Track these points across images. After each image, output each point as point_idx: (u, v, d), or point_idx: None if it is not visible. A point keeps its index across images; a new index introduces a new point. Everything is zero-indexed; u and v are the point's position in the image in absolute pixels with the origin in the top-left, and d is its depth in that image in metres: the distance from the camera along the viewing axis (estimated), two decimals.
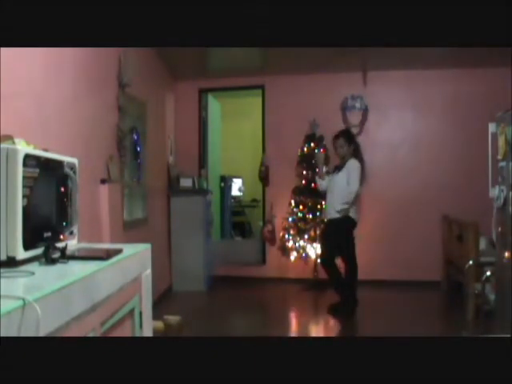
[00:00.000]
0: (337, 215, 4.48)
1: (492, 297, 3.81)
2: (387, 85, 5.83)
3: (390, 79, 5.81)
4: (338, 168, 4.61)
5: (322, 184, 4.78)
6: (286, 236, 5.62)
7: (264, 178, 6.09)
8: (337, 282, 4.56)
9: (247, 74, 5.97)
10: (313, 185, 5.38)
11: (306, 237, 5.51)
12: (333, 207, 4.51)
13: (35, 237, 1.52)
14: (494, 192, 3.32)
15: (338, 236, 4.55)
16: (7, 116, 2.06)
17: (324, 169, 4.91)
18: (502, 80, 5.00)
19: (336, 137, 4.65)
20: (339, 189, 4.47)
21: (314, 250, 5.51)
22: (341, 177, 4.51)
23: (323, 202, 5.46)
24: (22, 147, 1.54)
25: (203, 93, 6.31)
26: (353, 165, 4.49)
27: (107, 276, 1.55)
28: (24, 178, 1.43)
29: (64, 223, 1.75)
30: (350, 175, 4.45)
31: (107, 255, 1.65)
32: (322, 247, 4.75)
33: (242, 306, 5.00)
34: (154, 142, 4.96)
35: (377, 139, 5.82)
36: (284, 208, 5.77)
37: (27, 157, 1.46)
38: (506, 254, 3.12)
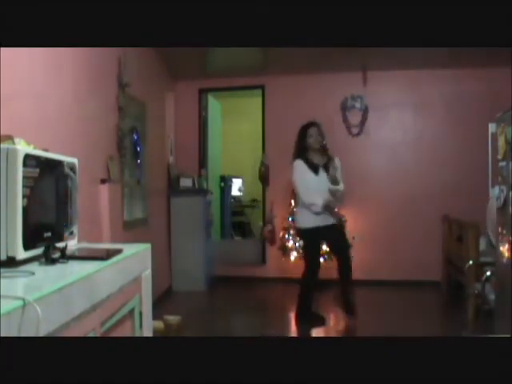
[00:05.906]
0: None
1: (492, 297, 3.80)
2: (387, 85, 5.82)
3: (390, 79, 5.80)
4: (325, 165, 4.19)
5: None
6: (286, 236, 5.61)
7: (264, 178, 6.09)
8: None
9: (247, 74, 5.96)
10: None
11: None
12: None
13: (35, 237, 1.52)
14: (494, 192, 3.32)
15: None
16: (7, 116, 2.06)
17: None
18: (502, 80, 4.99)
19: (314, 124, 4.25)
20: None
21: None
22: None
23: None
24: (22, 147, 1.54)
25: (203, 93, 6.31)
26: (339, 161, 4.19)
27: (107, 276, 1.55)
28: (24, 178, 1.43)
29: (64, 223, 1.75)
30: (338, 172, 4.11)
31: (107, 255, 1.65)
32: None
33: (242, 306, 4.99)
34: (154, 142, 4.96)
35: (377, 139, 5.82)
36: (284, 208, 5.76)
37: (27, 157, 1.46)
38: (506, 254, 3.12)
